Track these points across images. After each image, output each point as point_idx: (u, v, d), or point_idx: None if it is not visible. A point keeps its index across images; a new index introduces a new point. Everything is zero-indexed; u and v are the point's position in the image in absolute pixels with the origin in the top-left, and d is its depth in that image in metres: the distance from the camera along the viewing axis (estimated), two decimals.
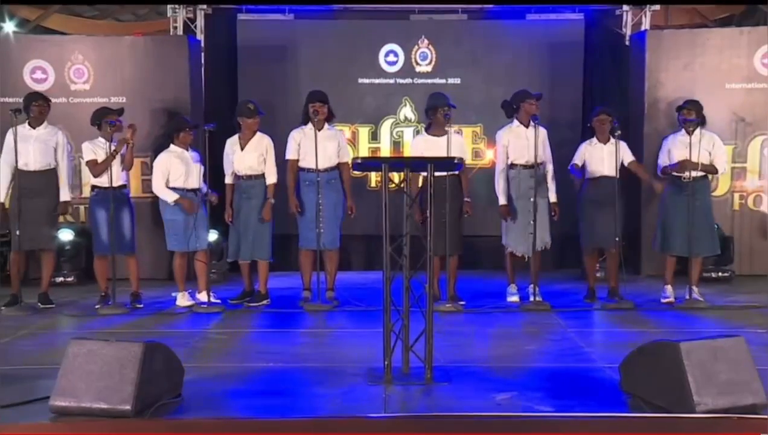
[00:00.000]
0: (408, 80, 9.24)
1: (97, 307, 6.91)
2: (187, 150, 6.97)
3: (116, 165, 6.81)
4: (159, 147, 7.41)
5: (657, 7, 9.19)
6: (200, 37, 9.20)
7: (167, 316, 6.79)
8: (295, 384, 4.75)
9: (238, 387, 4.64)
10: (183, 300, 7.00)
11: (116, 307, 6.84)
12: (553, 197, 7.12)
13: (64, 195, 7.05)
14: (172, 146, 6.99)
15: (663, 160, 7.14)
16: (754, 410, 3.91)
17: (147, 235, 7.96)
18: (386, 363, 4.68)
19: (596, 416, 3.99)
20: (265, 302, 7.09)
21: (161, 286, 7.72)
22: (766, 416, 3.85)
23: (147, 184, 7.56)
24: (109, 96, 8.27)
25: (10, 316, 6.75)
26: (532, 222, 6.89)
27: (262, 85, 8.89)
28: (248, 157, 7.01)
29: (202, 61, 9.17)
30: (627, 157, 7.10)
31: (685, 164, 6.93)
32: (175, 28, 9.20)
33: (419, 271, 4.82)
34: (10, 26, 10.09)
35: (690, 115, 6.95)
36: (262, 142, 7.05)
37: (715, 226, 7.42)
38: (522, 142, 7.00)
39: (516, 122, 7.08)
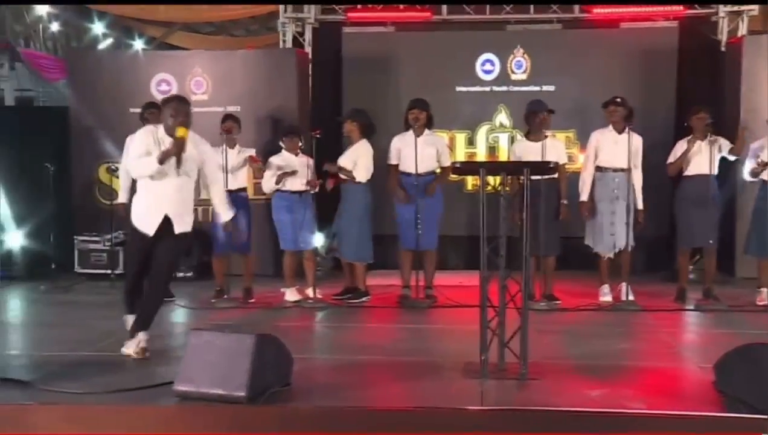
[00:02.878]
0: (504, 88, 9.17)
1: (213, 300, 7.11)
2: (296, 154, 7.09)
3: (233, 170, 6.99)
4: (269, 152, 7.57)
5: (755, 11, 8.84)
6: (308, 49, 9.37)
7: (277, 310, 6.92)
8: (395, 376, 4.79)
9: (343, 378, 4.70)
10: (291, 295, 7.13)
11: (230, 301, 7.03)
12: (640, 205, 6.93)
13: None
14: (283, 151, 7.15)
15: (751, 164, 6.87)
16: None
17: (258, 234, 8.16)
18: (483, 358, 4.66)
19: (689, 414, 3.87)
20: (365, 299, 7.16)
21: (270, 282, 7.88)
22: None
23: (259, 187, 7.74)
24: (225, 105, 8.49)
25: None
26: (613, 223, 6.78)
27: (365, 94, 8.97)
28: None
29: (309, 72, 9.34)
30: (725, 147, 6.89)
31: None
32: (284, 41, 9.40)
33: (515, 270, 4.78)
34: (139, 44, 10.54)
35: None
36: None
37: None
38: (612, 147, 6.86)
39: (610, 126, 6.94)
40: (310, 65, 9.38)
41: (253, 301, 7.19)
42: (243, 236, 6.89)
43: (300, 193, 7.04)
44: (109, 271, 8.23)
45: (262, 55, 9.06)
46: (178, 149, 5.05)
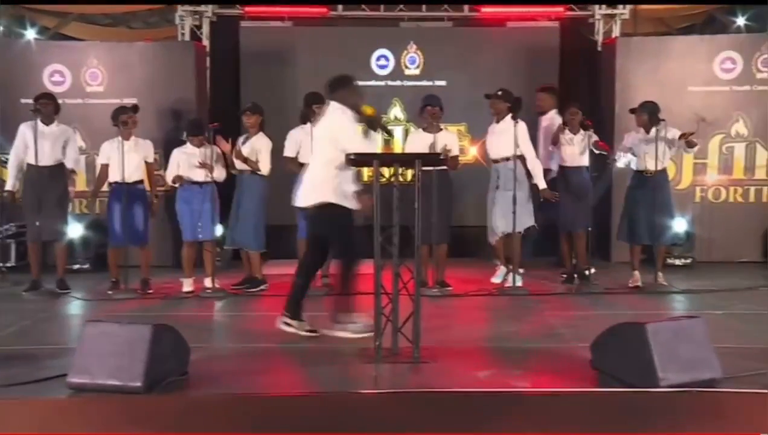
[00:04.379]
0: (398, 83, 9.24)
1: (109, 292, 6.89)
2: (200, 147, 6.93)
3: (130, 162, 6.80)
4: (167, 144, 7.38)
5: (626, 15, 9.21)
6: (206, 42, 9.17)
7: (174, 300, 6.77)
8: (292, 363, 4.76)
9: (240, 366, 4.64)
10: (188, 286, 6.98)
11: (127, 292, 6.83)
12: (541, 184, 7.06)
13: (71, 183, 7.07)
14: (187, 144, 6.99)
15: (625, 156, 7.19)
16: (711, 384, 3.94)
17: (153, 225, 7.95)
18: (377, 343, 4.69)
19: (569, 391, 4.01)
20: (262, 288, 7.09)
21: (169, 273, 7.68)
22: (722, 389, 3.88)
23: (158, 178, 7.52)
24: (121, 97, 8.22)
25: (31, 300, 6.76)
26: (494, 212, 7.02)
27: (263, 88, 8.87)
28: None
29: (208, 66, 9.14)
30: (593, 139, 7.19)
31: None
32: (183, 34, 9.16)
33: (408, 258, 4.82)
34: (31, 33, 10.05)
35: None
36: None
37: (675, 217, 7.43)
38: (492, 138, 7.09)
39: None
40: (208, 59, 9.18)
41: (150, 292, 7.00)
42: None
43: (201, 184, 6.90)
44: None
45: (159, 48, 8.80)
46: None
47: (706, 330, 4.16)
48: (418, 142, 6.92)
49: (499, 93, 7.05)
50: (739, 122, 8.56)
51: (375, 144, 5.32)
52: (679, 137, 6.92)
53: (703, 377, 3.97)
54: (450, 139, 7.07)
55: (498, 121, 7.05)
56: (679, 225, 8.12)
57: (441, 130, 7.01)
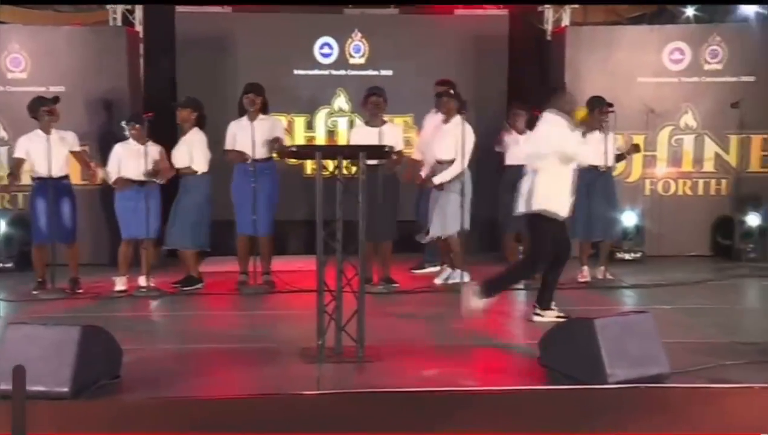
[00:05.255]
0: (342, 72, 9.19)
1: (35, 292, 6.74)
2: (143, 143, 6.80)
3: (56, 156, 6.65)
4: (99, 136, 7.23)
5: (576, 4, 9.34)
6: (139, 28, 9.00)
7: (106, 300, 6.65)
8: (231, 364, 4.73)
9: (176, 368, 4.59)
10: (121, 285, 6.86)
11: (54, 292, 6.68)
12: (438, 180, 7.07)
13: None
14: (129, 140, 6.88)
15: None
16: (659, 380, 4.04)
17: (89, 223, 7.81)
18: (319, 342, 4.68)
19: (517, 389, 4.07)
20: (198, 286, 7.02)
21: (103, 271, 7.53)
22: (669, 385, 3.98)
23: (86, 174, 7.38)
24: (47, 85, 8.01)
25: None
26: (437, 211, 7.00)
27: (200, 77, 8.72)
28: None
29: (141, 53, 8.98)
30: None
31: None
32: (114, 19, 8.98)
33: (352, 255, 4.83)
34: None
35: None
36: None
37: (621, 212, 7.58)
38: (441, 137, 7.03)
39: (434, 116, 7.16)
40: (142, 45, 9.01)
41: (80, 291, 6.86)
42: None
43: (141, 181, 6.78)
44: None
45: (88, 33, 8.60)
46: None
47: (654, 325, 4.27)
48: (363, 135, 6.91)
49: (452, 91, 7.07)
50: (688, 114, 8.75)
51: (593, 146, 5.74)
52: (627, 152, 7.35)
53: (650, 373, 4.07)
54: (394, 132, 7.07)
55: (447, 121, 7.03)
56: (629, 219, 8.32)
57: (386, 122, 7.02)
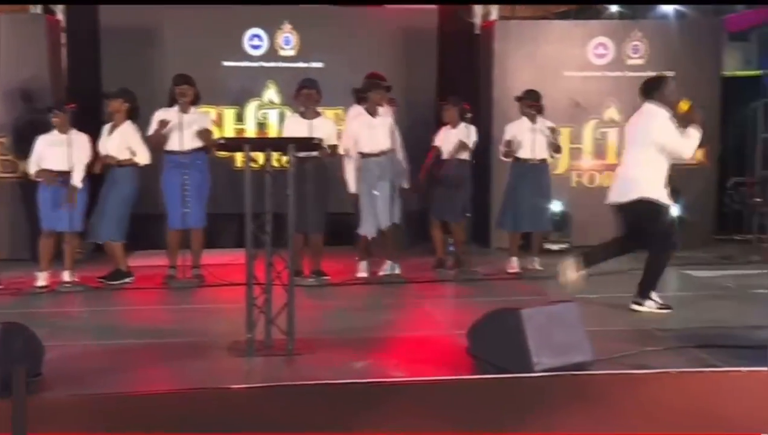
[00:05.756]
0: (272, 64, 9.10)
1: None
2: (66, 132, 6.61)
3: None
4: (21, 126, 7.00)
5: None
6: (60, 17, 8.73)
7: (27, 296, 6.46)
8: (158, 359, 4.64)
9: (101, 364, 4.49)
10: (43, 279, 6.67)
11: None
12: (405, 184, 7.23)
13: None
14: (54, 130, 6.68)
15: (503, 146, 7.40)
16: (583, 367, 4.14)
17: (7, 216, 7.57)
18: (249, 336, 4.64)
19: (445, 379, 4.10)
20: (127, 281, 6.88)
21: (24, 267, 7.29)
22: (592, 372, 4.08)
23: (7, 165, 7.16)
24: None
25: None
26: (375, 205, 6.98)
27: (126, 68, 8.50)
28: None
29: (63, 42, 8.72)
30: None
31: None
32: (35, 7, 8.68)
33: (282, 248, 4.80)
34: None
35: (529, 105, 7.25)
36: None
37: (552, 205, 7.73)
38: (370, 131, 7.01)
39: (364, 111, 7.09)
40: (64, 35, 8.75)
41: (0, 287, 6.65)
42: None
43: (61, 172, 6.59)
44: None
45: (5, 21, 8.29)
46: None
47: (578, 314, 4.36)
48: (295, 127, 6.86)
49: (382, 84, 7.10)
50: (612, 108, 8.97)
51: (696, 139, 5.69)
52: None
53: (575, 360, 4.16)
54: (327, 125, 7.05)
55: (375, 114, 7.02)
56: (556, 210, 8.48)
57: (318, 115, 6.99)
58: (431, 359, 4.55)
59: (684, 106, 5.69)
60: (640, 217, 5.75)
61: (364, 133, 6.99)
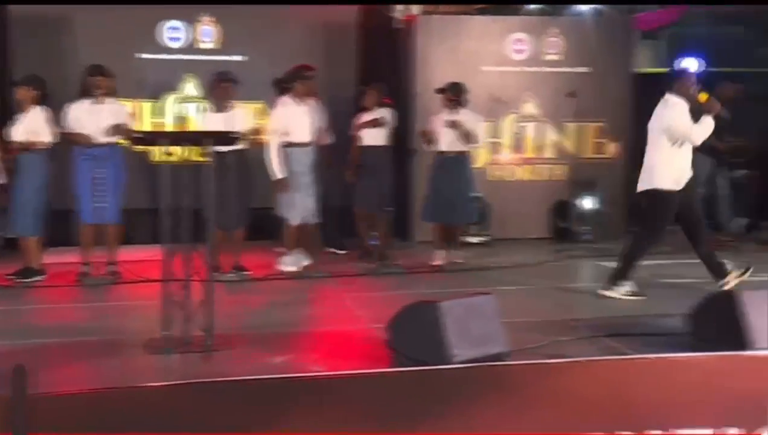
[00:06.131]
0: (191, 57, 8.94)
1: None
2: None
3: None
4: None
5: None
6: None
7: None
8: (72, 358, 4.52)
9: (10, 365, 4.32)
10: None
11: None
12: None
13: None
14: None
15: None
16: (499, 358, 4.21)
17: None
18: (165, 333, 4.57)
19: (364, 373, 4.11)
20: (38, 278, 6.67)
21: None
22: (508, 362, 4.16)
23: None
24: None
25: None
26: (308, 195, 6.97)
27: (37, 58, 8.22)
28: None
29: None
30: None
31: None
32: None
33: (201, 243, 4.74)
34: None
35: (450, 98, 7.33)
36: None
37: (474, 196, 7.83)
38: (298, 120, 7.00)
39: (292, 100, 7.06)
40: None
41: None
42: None
43: None
44: None
45: None
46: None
47: (495, 306, 4.44)
48: (214, 121, 6.77)
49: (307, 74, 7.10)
50: (530, 102, 9.14)
51: (708, 128, 5.96)
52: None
53: (491, 352, 4.23)
54: (245, 118, 6.98)
55: (302, 103, 7.02)
56: (477, 203, 8.59)
57: (234, 108, 6.91)
58: (351, 354, 4.56)
59: (702, 97, 6.02)
60: (647, 204, 6.14)
61: (292, 122, 6.95)
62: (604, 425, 3.91)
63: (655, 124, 6.10)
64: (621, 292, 6.05)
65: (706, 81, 8.52)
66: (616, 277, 6.11)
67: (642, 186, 6.12)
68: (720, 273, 6.12)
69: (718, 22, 10.68)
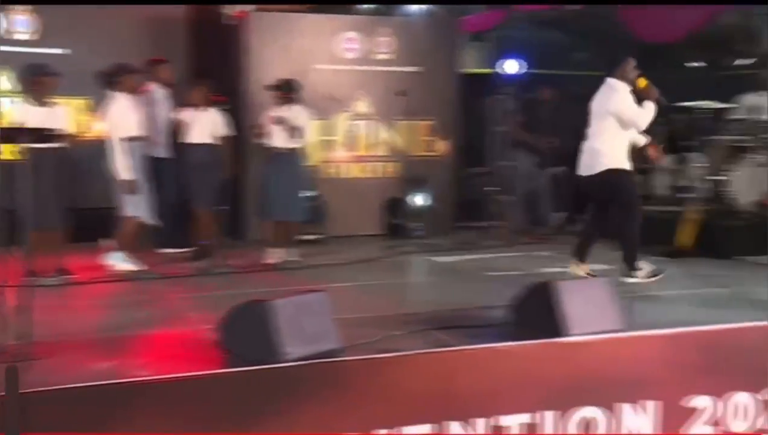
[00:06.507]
0: (6, 48, 8.36)
1: None
2: None
3: None
4: None
5: None
6: None
7: None
8: None
9: None
10: None
11: None
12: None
13: None
14: None
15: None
16: (332, 355, 4.24)
17: None
18: None
19: (194, 375, 4.02)
20: None
21: None
22: (340, 359, 4.20)
23: None
24: None
25: None
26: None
27: None
28: None
29: None
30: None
31: None
32: None
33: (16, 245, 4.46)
34: None
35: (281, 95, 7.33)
36: None
37: (307, 193, 7.86)
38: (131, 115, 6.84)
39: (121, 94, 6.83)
40: None
41: None
42: None
43: None
44: None
45: None
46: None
47: (327, 303, 4.47)
48: (32, 116, 6.38)
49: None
50: (361, 101, 9.27)
51: (651, 113, 6.09)
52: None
53: (324, 348, 4.26)
54: (66, 114, 6.70)
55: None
56: (311, 201, 8.61)
57: (56, 103, 6.61)
58: (181, 356, 4.43)
59: (641, 83, 6.16)
60: (607, 187, 6.20)
61: (127, 117, 6.77)
62: (432, 417, 4.06)
63: (599, 108, 6.24)
64: (642, 274, 6.19)
65: (526, 82, 9.04)
66: (631, 263, 6.21)
67: (596, 168, 6.17)
68: (581, 257, 6.40)
69: (539, 27, 11.26)
